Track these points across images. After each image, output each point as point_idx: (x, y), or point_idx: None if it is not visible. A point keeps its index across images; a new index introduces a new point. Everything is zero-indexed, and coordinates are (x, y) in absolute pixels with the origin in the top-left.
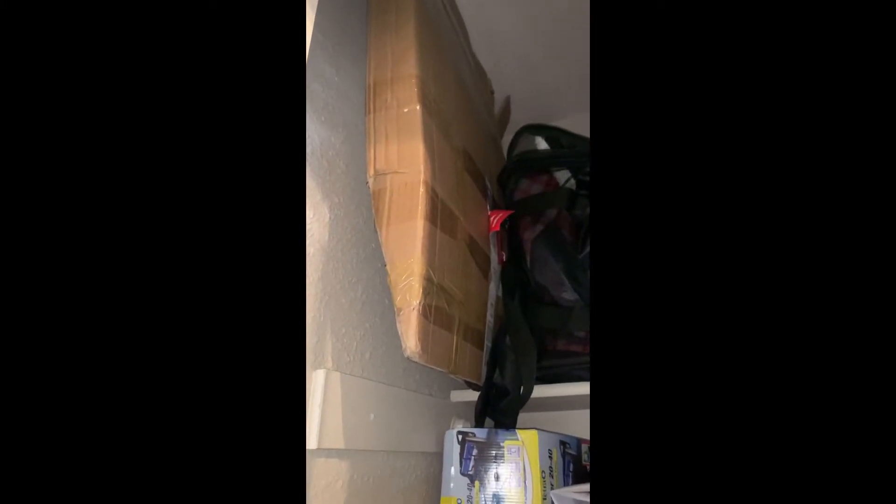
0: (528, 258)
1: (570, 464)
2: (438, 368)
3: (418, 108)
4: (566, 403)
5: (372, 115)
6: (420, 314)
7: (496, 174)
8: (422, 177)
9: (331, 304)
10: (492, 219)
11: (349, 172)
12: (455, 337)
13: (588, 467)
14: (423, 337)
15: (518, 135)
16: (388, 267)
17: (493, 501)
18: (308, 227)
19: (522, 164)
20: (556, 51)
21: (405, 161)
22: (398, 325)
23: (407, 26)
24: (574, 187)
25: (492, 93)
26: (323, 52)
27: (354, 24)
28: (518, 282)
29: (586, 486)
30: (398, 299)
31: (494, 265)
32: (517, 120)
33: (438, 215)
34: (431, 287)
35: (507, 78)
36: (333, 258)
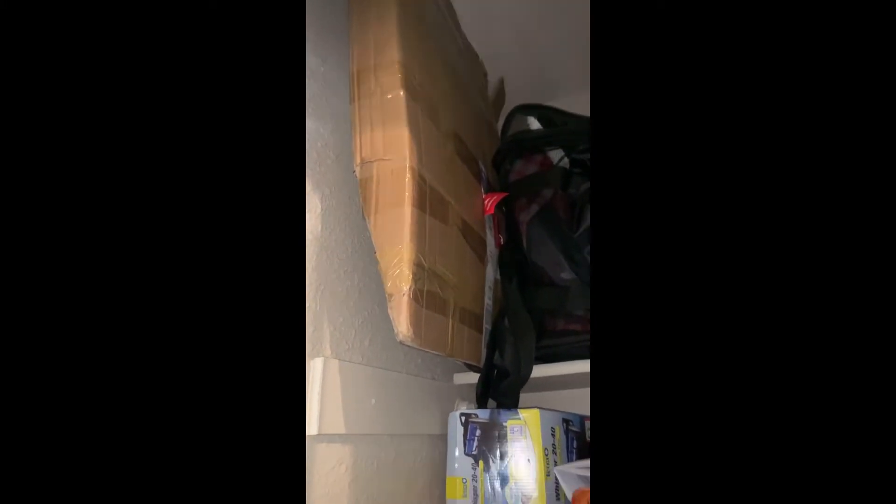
0: (524, 240)
1: (573, 440)
2: (434, 352)
3: (402, 93)
4: (568, 382)
5: (356, 103)
6: (411, 299)
7: (491, 157)
8: (407, 163)
9: (326, 294)
10: (486, 202)
11: (339, 162)
12: (451, 320)
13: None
14: (416, 321)
15: (511, 115)
16: (377, 254)
17: (498, 479)
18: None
19: (516, 145)
20: (550, 23)
21: (391, 148)
22: (389, 310)
23: (389, 13)
24: (568, 166)
25: (485, 75)
26: (307, 42)
27: (338, 12)
28: (515, 264)
29: (586, 462)
30: (388, 285)
31: (491, 248)
32: (513, 100)
33: (427, 201)
34: (422, 272)
35: (503, 56)
36: (327, 248)
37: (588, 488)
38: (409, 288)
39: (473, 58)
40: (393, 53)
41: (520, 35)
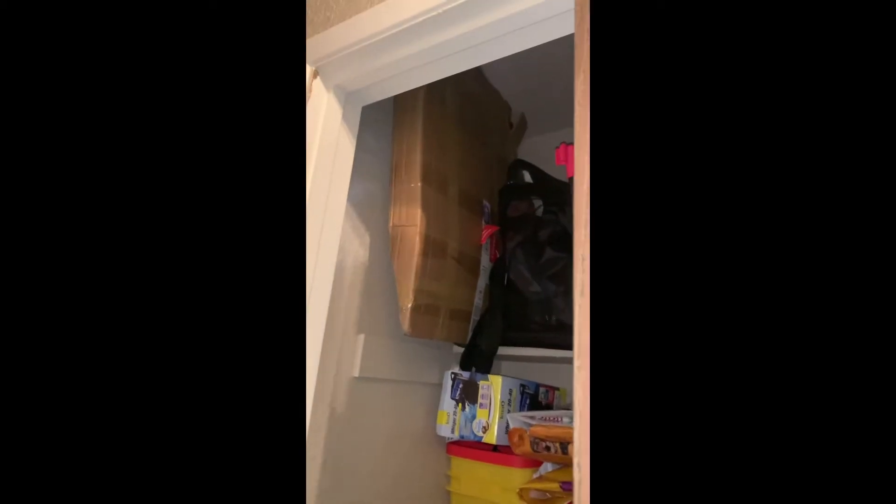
0: (507, 261)
1: (526, 399)
2: (428, 339)
3: (419, 184)
4: (531, 360)
5: (393, 186)
6: (412, 311)
7: (499, 189)
8: (418, 230)
9: (368, 298)
10: (484, 233)
11: (383, 213)
12: (440, 319)
13: (543, 403)
14: (413, 324)
15: (513, 165)
16: (396, 284)
17: (469, 415)
18: (357, 252)
19: (512, 190)
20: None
21: (410, 218)
22: (399, 316)
23: (416, 123)
24: (542, 213)
25: (509, 109)
26: (367, 126)
27: (388, 106)
28: (501, 278)
29: (533, 413)
30: (400, 302)
31: (485, 264)
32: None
33: (430, 249)
34: (422, 294)
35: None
36: (371, 273)
37: (522, 429)
38: (411, 305)
39: (496, 97)
40: (415, 156)
41: (541, 76)
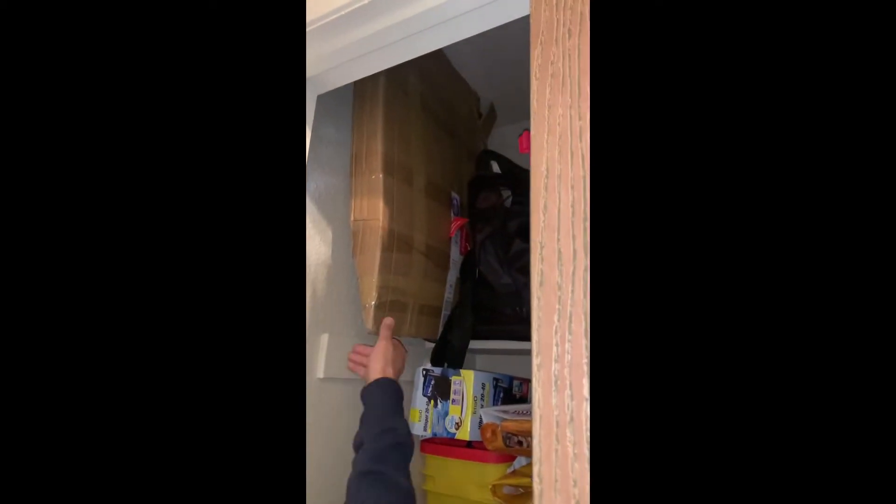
0: (477, 253)
1: (500, 392)
2: (395, 336)
3: (381, 175)
4: (504, 353)
5: (353, 178)
6: (375, 308)
7: (468, 180)
8: (380, 223)
9: (331, 296)
10: (453, 225)
11: (345, 211)
12: (409, 315)
13: (517, 396)
14: (377, 321)
15: (481, 155)
16: (358, 281)
17: (441, 412)
18: (318, 249)
19: (481, 181)
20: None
21: (372, 212)
22: (362, 314)
23: (376, 111)
24: (510, 204)
25: (477, 99)
26: (327, 117)
27: (348, 93)
28: (471, 271)
29: (506, 407)
30: (362, 300)
31: (455, 257)
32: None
33: (394, 243)
34: (386, 291)
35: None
36: (334, 270)
37: (494, 423)
38: (374, 303)
39: (462, 87)
40: (377, 144)
41: (509, 65)
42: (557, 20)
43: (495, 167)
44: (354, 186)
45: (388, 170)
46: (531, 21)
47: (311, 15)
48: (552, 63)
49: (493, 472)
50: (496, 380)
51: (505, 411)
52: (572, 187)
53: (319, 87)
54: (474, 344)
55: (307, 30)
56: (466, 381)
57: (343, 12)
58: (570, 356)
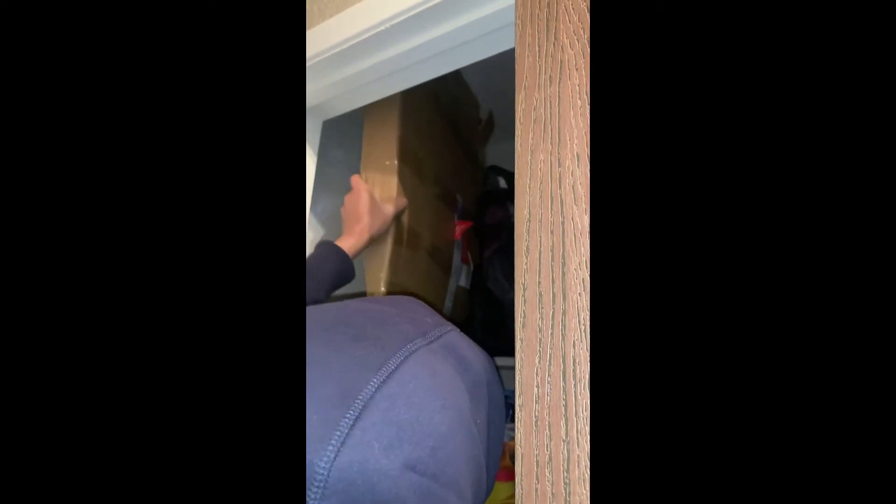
0: (485, 269)
1: (509, 409)
2: None
3: (396, 162)
4: (512, 369)
5: (363, 167)
6: None
7: (470, 185)
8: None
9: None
10: (457, 228)
11: None
12: None
13: None
14: None
15: (488, 171)
16: (365, 275)
17: None
18: None
19: (489, 195)
20: None
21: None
22: None
23: (394, 96)
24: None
25: (477, 106)
26: (333, 139)
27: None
28: (481, 286)
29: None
30: (369, 290)
31: (457, 263)
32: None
33: (404, 236)
34: (394, 288)
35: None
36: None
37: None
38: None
39: (466, 91)
40: (392, 130)
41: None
42: (540, 67)
43: (501, 183)
44: (365, 173)
45: (403, 158)
46: (516, 66)
47: (314, 49)
48: (535, 109)
49: (502, 490)
50: (506, 396)
51: (513, 429)
52: (552, 232)
53: (323, 115)
54: None
55: (311, 63)
56: None
57: (343, 47)
58: (549, 398)
